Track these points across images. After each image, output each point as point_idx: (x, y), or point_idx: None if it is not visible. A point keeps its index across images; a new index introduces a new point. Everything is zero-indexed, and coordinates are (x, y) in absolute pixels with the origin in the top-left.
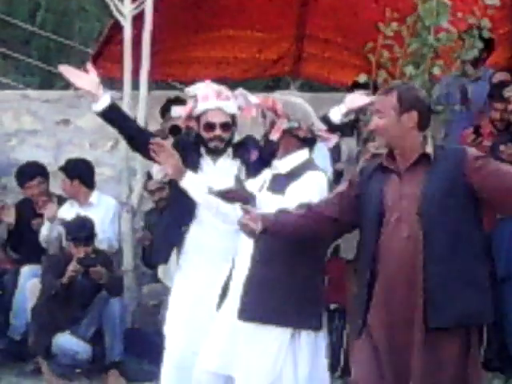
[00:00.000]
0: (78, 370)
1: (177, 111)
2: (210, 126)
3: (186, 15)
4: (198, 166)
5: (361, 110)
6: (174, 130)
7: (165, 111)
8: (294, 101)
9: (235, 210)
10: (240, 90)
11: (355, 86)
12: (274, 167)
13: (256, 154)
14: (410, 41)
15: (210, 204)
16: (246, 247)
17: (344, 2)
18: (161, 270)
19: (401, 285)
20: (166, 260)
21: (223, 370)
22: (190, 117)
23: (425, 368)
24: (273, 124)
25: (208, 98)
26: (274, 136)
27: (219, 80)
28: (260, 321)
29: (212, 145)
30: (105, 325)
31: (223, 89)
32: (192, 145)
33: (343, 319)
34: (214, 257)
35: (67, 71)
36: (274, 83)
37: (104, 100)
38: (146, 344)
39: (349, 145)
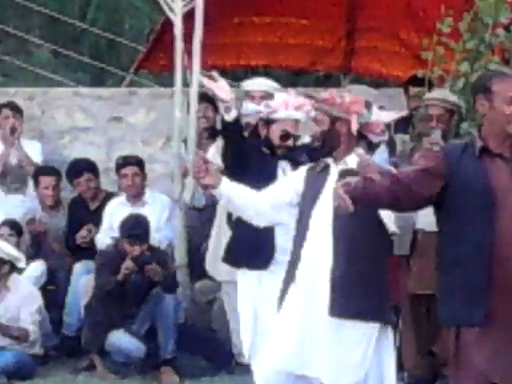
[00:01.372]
0: (131, 367)
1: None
2: (286, 136)
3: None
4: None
5: (416, 108)
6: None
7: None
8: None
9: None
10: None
11: (410, 82)
12: (343, 162)
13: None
14: (467, 37)
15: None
16: (313, 244)
17: None
18: (209, 263)
19: None
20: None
21: (297, 369)
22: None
23: None
24: (339, 119)
25: (289, 105)
26: (354, 129)
27: (272, 69)
28: (352, 316)
29: (279, 151)
30: (158, 321)
31: (302, 99)
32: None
33: (397, 317)
34: None
35: (209, 83)
36: (324, 78)
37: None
38: (198, 340)
39: (403, 140)
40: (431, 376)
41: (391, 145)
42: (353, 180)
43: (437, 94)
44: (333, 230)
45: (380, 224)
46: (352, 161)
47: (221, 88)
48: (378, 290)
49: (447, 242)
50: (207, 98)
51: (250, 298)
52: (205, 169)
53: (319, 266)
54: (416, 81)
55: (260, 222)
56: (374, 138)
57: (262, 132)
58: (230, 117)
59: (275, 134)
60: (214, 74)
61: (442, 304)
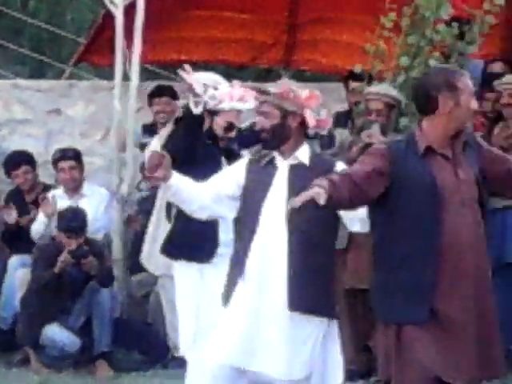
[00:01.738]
0: (66, 361)
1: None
2: (230, 127)
3: None
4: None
5: (356, 102)
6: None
7: (153, 98)
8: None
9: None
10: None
11: (350, 77)
12: (294, 157)
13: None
14: (408, 32)
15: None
16: (264, 239)
17: None
18: (145, 256)
19: (470, 268)
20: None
21: (244, 364)
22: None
23: None
24: (292, 114)
25: (233, 97)
26: (312, 125)
27: (213, 64)
28: (311, 311)
29: (221, 143)
30: (94, 315)
31: (244, 90)
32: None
33: None
34: None
35: (188, 77)
36: (265, 73)
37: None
38: (134, 334)
39: (342, 134)
40: (367, 371)
41: (330, 138)
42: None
43: (377, 88)
44: (288, 225)
45: (334, 218)
46: (302, 155)
47: (195, 81)
48: (330, 285)
49: (392, 240)
50: (169, 93)
51: (190, 291)
52: (159, 163)
53: (271, 261)
54: (356, 75)
55: (202, 215)
56: (311, 131)
57: (206, 123)
58: (197, 110)
59: (219, 125)
60: (188, 67)
61: (383, 301)
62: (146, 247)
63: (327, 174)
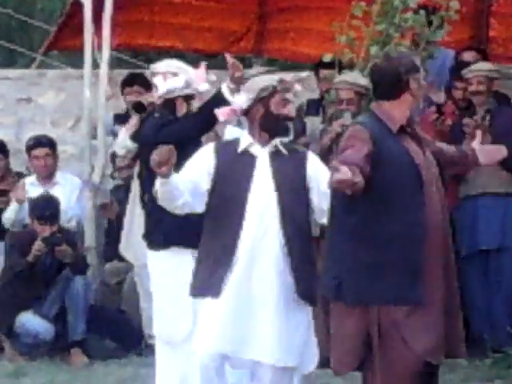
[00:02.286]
0: (40, 349)
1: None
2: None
3: None
4: None
5: (326, 90)
6: (138, 107)
7: (125, 87)
8: None
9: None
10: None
11: (320, 65)
12: (272, 145)
13: None
14: (377, 20)
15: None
16: (254, 229)
17: None
18: (123, 244)
19: (442, 252)
20: None
21: (236, 352)
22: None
23: None
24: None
25: (204, 79)
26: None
27: (184, 52)
28: (313, 298)
29: None
30: (68, 303)
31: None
32: None
33: None
34: None
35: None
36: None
37: None
38: (108, 322)
39: (313, 122)
40: None
41: (302, 126)
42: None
43: (347, 77)
44: (280, 213)
45: (309, 208)
46: (278, 143)
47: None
48: (316, 273)
49: (377, 220)
50: (140, 81)
51: (172, 278)
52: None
53: (263, 251)
54: (326, 63)
55: (182, 211)
56: None
57: (181, 109)
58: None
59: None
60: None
61: (367, 283)
62: (123, 237)
63: (303, 162)
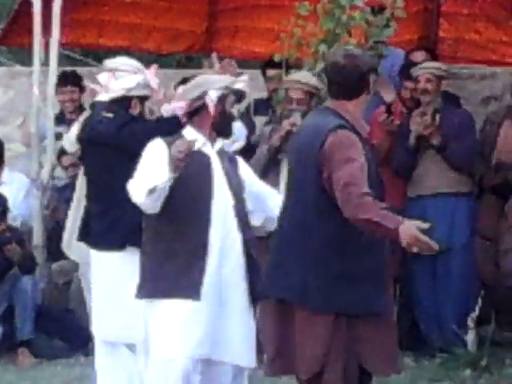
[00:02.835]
0: None
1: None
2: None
3: None
4: None
5: (274, 90)
6: None
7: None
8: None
9: None
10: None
11: (267, 65)
12: (217, 144)
13: None
14: (323, 20)
15: None
16: (222, 230)
17: None
18: (65, 242)
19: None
20: None
21: (213, 354)
22: None
23: None
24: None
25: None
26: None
27: (133, 51)
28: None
29: None
30: (16, 303)
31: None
32: None
33: None
34: None
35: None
36: (186, 61)
37: None
38: (55, 321)
39: (262, 122)
40: None
41: (250, 126)
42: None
43: (297, 76)
44: (236, 214)
45: None
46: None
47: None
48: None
49: (351, 231)
50: (72, 81)
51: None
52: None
53: (228, 252)
54: (273, 63)
55: (156, 210)
56: None
57: (135, 109)
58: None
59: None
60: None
61: (339, 292)
62: (66, 235)
63: (237, 164)
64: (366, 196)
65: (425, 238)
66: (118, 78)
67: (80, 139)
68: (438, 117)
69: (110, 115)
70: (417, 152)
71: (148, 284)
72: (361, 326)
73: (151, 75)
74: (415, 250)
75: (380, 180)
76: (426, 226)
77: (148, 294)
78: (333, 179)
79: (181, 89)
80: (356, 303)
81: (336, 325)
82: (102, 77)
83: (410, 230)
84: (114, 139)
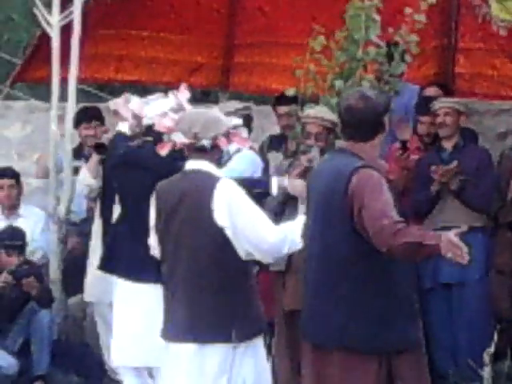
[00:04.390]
0: (4, 383)
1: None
2: None
3: (118, 12)
4: None
5: (287, 126)
6: (100, 148)
7: (82, 121)
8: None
9: None
10: None
11: (279, 100)
12: None
13: None
14: (337, 55)
15: None
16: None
17: (272, 1)
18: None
19: None
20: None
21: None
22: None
23: None
24: None
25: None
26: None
27: (150, 85)
28: None
29: None
30: (33, 337)
31: None
32: None
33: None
34: None
35: None
36: (202, 95)
37: None
38: (71, 356)
39: (276, 158)
40: None
41: (265, 162)
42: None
43: (315, 111)
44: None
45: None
46: None
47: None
48: None
49: (385, 266)
50: (97, 116)
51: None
52: None
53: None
54: (283, 99)
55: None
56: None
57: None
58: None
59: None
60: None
61: (378, 331)
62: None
63: None
64: (399, 223)
65: (460, 244)
66: (150, 102)
67: (115, 165)
68: (455, 162)
69: (150, 138)
70: (438, 198)
71: None
72: (399, 362)
73: (182, 96)
74: (449, 255)
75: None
76: (464, 228)
77: None
78: (364, 216)
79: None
80: (395, 339)
81: (379, 365)
82: (134, 105)
83: (448, 235)
84: (155, 164)
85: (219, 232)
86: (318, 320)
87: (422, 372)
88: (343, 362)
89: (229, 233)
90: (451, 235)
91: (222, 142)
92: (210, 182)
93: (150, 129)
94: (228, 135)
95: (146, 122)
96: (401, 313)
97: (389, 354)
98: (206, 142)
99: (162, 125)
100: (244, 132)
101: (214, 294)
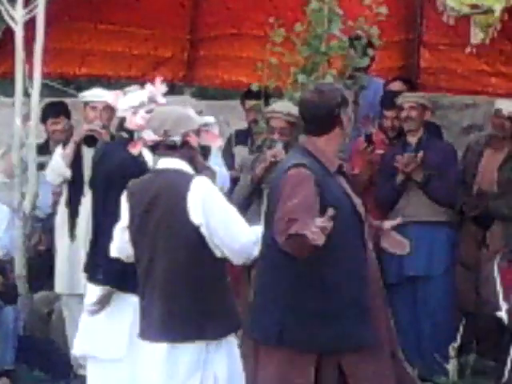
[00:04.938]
0: None
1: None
2: None
3: (82, 6)
4: None
5: (254, 121)
6: (90, 141)
7: (49, 116)
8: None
9: None
10: None
11: (246, 95)
12: None
13: None
14: (300, 48)
15: None
16: None
17: None
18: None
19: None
20: None
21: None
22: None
23: None
24: None
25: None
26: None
27: (113, 79)
28: None
29: None
30: None
31: None
32: None
33: None
34: None
35: None
36: (167, 90)
37: None
38: (37, 352)
39: (241, 153)
40: None
41: (230, 157)
42: None
43: (279, 106)
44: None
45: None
46: None
47: None
48: None
49: (324, 265)
50: (64, 111)
51: None
52: None
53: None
54: (252, 93)
55: None
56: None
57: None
58: None
59: None
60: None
61: (319, 330)
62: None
63: None
64: (294, 220)
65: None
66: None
67: (109, 174)
68: (420, 153)
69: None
70: (403, 190)
71: None
72: (350, 361)
73: (157, 89)
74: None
75: (355, 210)
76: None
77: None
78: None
79: None
80: (337, 339)
81: (321, 364)
82: (109, 96)
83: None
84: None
85: (195, 231)
86: (259, 317)
87: (380, 369)
88: (282, 359)
89: (203, 231)
90: (318, 221)
91: (193, 139)
92: (183, 180)
93: (122, 122)
94: (199, 132)
95: (119, 114)
96: (343, 311)
97: (334, 352)
98: (175, 139)
99: (132, 123)
100: (216, 129)
101: (189, 293)
